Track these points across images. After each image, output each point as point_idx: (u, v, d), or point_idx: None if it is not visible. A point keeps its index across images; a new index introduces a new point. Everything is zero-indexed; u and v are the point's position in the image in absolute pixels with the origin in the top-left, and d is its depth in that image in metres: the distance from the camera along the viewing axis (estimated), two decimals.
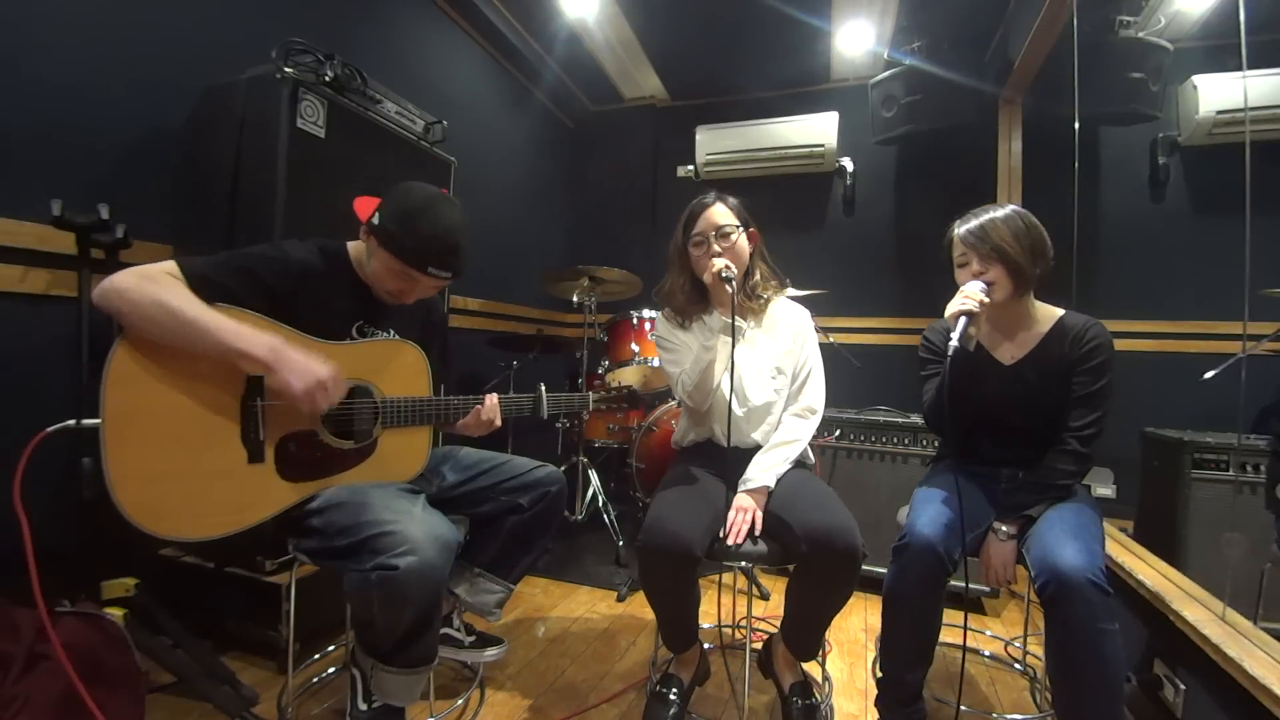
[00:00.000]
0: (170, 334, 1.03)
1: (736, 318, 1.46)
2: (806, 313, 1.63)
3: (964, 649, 1.37)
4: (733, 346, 1.45)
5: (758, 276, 1.59)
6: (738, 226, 1.51)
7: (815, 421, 1.53)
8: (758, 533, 1.35)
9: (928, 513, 1.32)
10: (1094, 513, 1.32)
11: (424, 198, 1.23)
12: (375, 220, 1.22)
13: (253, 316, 1.12)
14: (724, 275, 1.42)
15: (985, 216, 1.36)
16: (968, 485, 1.42)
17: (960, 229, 1.39)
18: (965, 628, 1.33)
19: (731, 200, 1.55)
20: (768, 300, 1.59)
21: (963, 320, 1.27)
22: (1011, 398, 1.40)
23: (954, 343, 1.24)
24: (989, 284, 1.32)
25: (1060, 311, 1.42)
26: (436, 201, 1.24)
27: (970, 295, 1.29)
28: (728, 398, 1.48)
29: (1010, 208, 1.37)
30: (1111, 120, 2.82)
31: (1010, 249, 1.31)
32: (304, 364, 1.09)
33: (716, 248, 1.49)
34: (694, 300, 1.58)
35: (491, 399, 1.37)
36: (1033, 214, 1.35)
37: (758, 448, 1.50)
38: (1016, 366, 1.41)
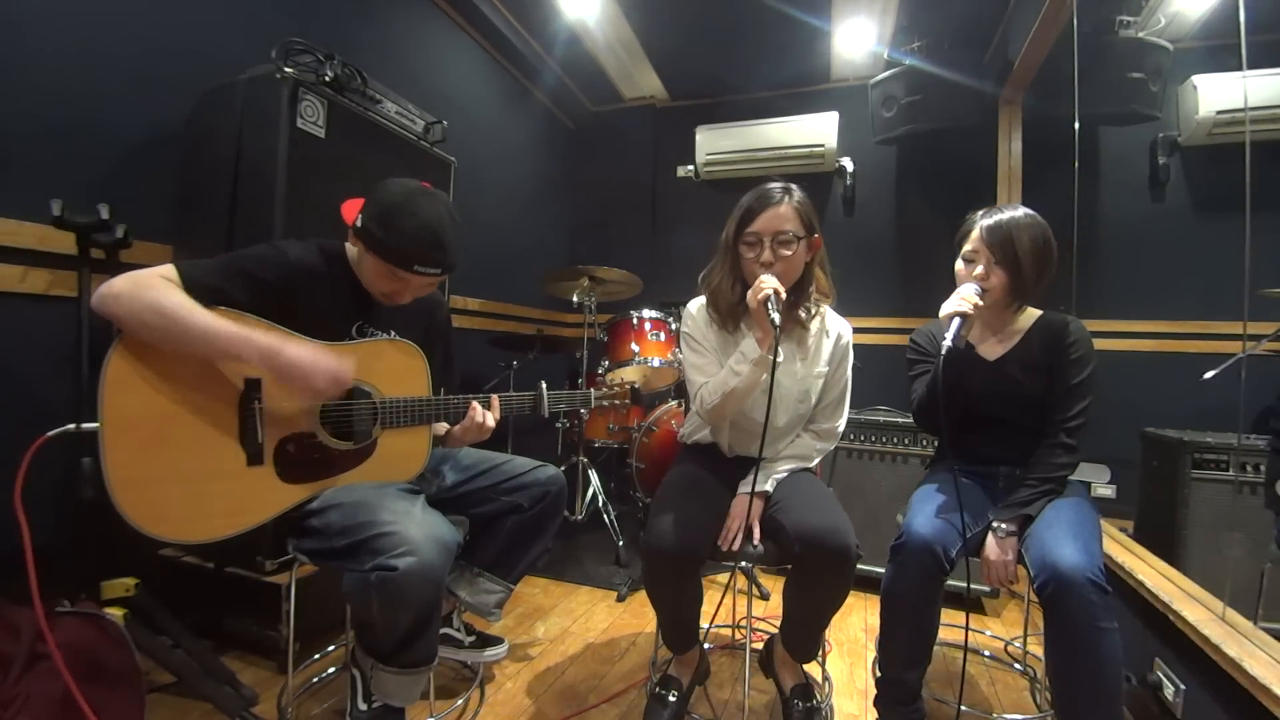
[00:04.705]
0: (166, 338, 1.03)
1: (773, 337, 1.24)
2: (849, 329, 1.52)
3: (965, 649, 1.37)
4: (770, 388, 1.23)
5: (811, 289, 1.43)
6: (801, 237, 1.34)
7: (831, 446, 1.54)
8: (756, 538, 1.35)
9: (925, 512, 1.33)
10: (1091, 511, 1.33)
11: (401, 194, 1.18)
12: (358, 223, 1.19)
13: (251, 319, 1.12)
14: (769, 306, 1.23)
15: (1009, 217, 1.37)
16: (967, 485, 1.43)
17: (984, 221, 1.39)
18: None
19: (801, 198, 1.36)
20: (814, 315, 1.45)
21: (956, 321, 1.30)
22: (997, 393, 1.43)
23: (947, 343, 1.27)
24: (985, 289, 1.37)
25: (1039, 311, 1.47)
26: (415, 196, 1.19)
27: (966, 298, 1.33)
28: (754, 421, 1.35)
29: (1033, 215, 1.38)
30: (1111, 120, 2.82)
31: (1024, 260, 1.34)
32: (304, 365, 1.09)
33: (768, 255, 1.34)
34: (742, 303, 1.40)
35: (492, 399, 1.36)
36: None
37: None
38: (1000, 362, 1.45)
